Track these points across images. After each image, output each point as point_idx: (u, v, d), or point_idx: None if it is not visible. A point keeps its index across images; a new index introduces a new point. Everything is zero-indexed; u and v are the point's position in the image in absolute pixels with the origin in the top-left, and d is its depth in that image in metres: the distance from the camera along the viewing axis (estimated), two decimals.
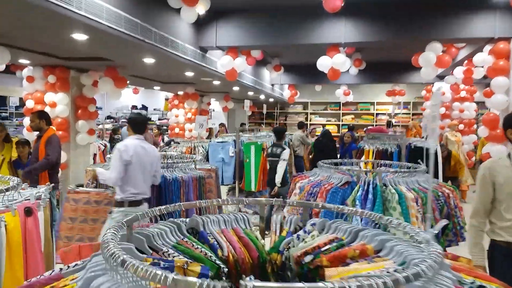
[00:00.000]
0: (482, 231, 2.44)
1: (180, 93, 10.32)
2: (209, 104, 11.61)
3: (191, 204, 1.84)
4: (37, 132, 4.62)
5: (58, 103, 5.55)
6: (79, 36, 3.73)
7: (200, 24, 5.43)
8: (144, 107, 15.87)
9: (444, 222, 1.38)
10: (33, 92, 5.74)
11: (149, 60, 5.14)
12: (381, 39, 5.01)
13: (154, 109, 15.87)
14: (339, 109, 14.22)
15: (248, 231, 1.64)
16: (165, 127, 13.20)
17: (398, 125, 12.10)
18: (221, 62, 5.47)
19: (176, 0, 4.20)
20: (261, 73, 9.54)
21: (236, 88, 8.99)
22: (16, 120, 10.89)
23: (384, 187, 3.10)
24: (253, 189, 5.98)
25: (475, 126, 9.05)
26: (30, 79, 5.70)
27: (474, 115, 9.08)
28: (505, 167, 2.37)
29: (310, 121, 14.37)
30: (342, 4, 3.67)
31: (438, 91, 2.65)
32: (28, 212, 1.91)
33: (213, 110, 14.94)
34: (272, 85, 10.71)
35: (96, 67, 5.78)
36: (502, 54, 4.43)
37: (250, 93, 10.37)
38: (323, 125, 14.02)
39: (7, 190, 1.97)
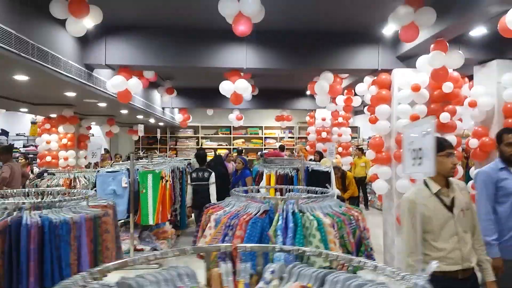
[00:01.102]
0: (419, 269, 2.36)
1: (53, 115, 8.99)
2: (89, 128, 10.40)
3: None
4: None
5: None
6: None
7: (87, 39, 4.80)
8: (4, 132, 13.41)
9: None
10: None
11: (21, 78, 4.28)
12: (282, 66, 5.18)
13: (17, 134, 13.55)
14: (230, 133, 14.38)
15: None
16: (32, 155, 11.34)
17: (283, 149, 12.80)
18: (112, 83, 4.90)
19: (61, 10, 3.60)
20: (152, 96, 9.01)
21: (124, 111, 8.27)
22: None
23: (300, 214, 3.06)
24: (150, 222, 5.43)
25: (350, 149, 10.11)
26: None
27: (349, 139, 10.14)
28: (428, 197, 2.37)
29: (201, 145, 14.15)
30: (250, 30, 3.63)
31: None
32: None
33: (92, 135, 13.51)
34: (163, 108, 10.21)
35: None
36: (384, 84, 5.00)
37: (139, 117, 9.67)
38: (215, 149, 13.96)
39: None
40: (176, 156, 12.98)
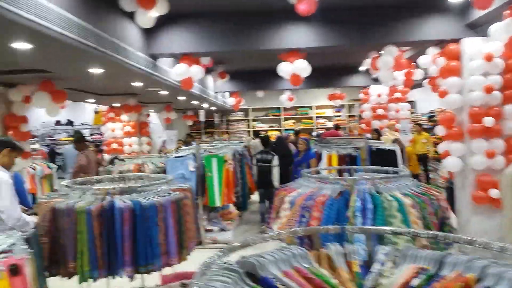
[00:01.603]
0: None
1: (116, 105, 9.51)
2: (148, 115, 10.89)
3: None
4: None
5: None
6: (21, 45, 3.11)
7: (151, 30, 4.97)
8: (70, 122, 14.40)
9: None
10: None
11: (96, 70, 4.55)
12: (342, 43, 5.05)
13: (82, 124, 14.49)
14: (280, 115, 14.38)
15: (315, 270, 1.38)
16: (98, 143, 12.10)
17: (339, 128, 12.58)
18: (177, 71, 5.07)
19: (130, 2, 3.75)
20: (205, 81, 9.20)
21: (182, 98, 8.54)
22: None
23: (378, 194, 3.03)
24: (217, 204, 5.64)
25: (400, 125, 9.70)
26: None
27: (408, 115, 9.73)
28: None
29: (252, 127, 14.31)
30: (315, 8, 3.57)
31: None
32: (14, 270, 1.43)
33: (151, 122, 14.11)
34: (216, 92, 10.41)
35: (27, 80, 4.99)
36: (453, 55, 4.70)
37: (195, 102, 9.95)
38: (266, 131, 14.07)
39: None
40: (228, 140, 13.25)
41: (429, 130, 9.38)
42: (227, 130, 14.42)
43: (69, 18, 3.10)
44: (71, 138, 10.28)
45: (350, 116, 13.99)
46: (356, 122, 12.45)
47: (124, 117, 9.55)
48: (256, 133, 9.09)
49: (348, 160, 5.51)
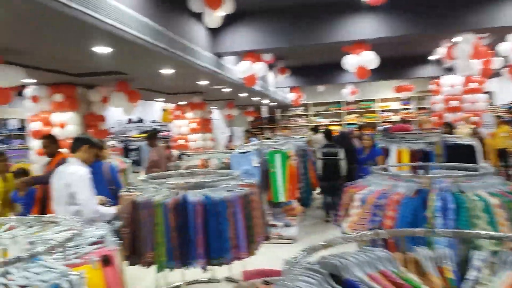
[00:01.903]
0: None
1: (182, 103, 9.94)
2: (211, 112, 11.24)
3: None
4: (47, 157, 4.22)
5: (68, 123, 5.13)
6: (101, 49, 3.35)
7: (215, 29, 5.09)
8: (140, 120, 15.36)
9: None
10: (39, 113, 5.30)
11: (166, 71, 4.78)
12: (413, 32, 4.76)
13: (151, 121, 15.38)
14: (340, 109, 14.02)
15: (404, 275, 1.31)
16: (165, 139, 12.74)
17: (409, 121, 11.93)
18: (241, 68, 5.14)
19: (198, 3, 3.86)
20: (266, 77, 9.24)
21: (243, 95, 8.67)
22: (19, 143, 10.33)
23: (460, 193, 2.81)
24: (281, 199, 5.64)
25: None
26: (35, 99, 5.26)
27: (485, 106, 8.95)
28: None
29: (312, 122, 14.13)
30: None
31: None
32: (107, 261, 1.54)
33: (214, 119, 14.56)
34: (276, 88, 10.42)
35: (105, 82, 5.38)
36: None
37: (255, 98, 10.06)
38: (326, 126, 13.82)
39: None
40: (289, 135, 13.22)
41: (509, 123, 8.55)
42: (287, 126, 14.38)
43: (144, 21, 3.28)
44: (143, 135, 10.93)
45: (419, 108, 13.20)
46: (427, 115, 11.71)
47: (190, 114, 9.96)
48: (315, 129, 8.98)
49: (420, 156, 5.19)
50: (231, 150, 6.18)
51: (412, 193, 2.90)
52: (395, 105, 13.53)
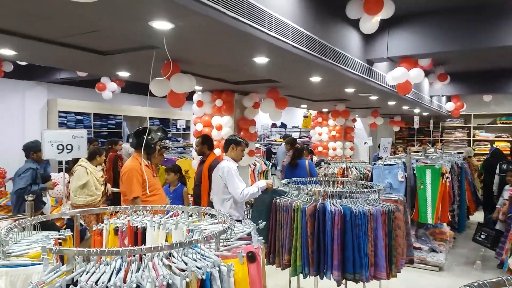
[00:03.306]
0: None
1: (325, 110, 9.95)
2: (354, 120, 10.94)
3: None
4: (201, 156, 4.80)
5: (224, 126, 5.72)
6: (260, 60, 3.62)
7: (370, 35, 4.91)
8: (283, 125, 16.05)
9: None
10: (202, 116, 6.07)
11: (315, 79, 4.85)
12: None
13: (293, 127, 15.90)
14: None
15: None
16: (305, 145, 12.96)
17: None
18: (393, 75, 4.82)
19: (356, 9, 3.78)
20: (420, 84, 8.46)
21: (391, 103, 8.14)
22: (183, 141, 12.22)
23: None
24: (429, 221, 5.09)
25: None
26: (200, 103, 6.04)
27: None
28: None
29: (473, 136, 12.32)
30: None
31: None
32: (252, 258, 1.64)
33: (356, 127, 14.17)
34: (431, 96, 9.44)
35: (258, 89, 5.80)
36: None
37: (405, 107, 9.32)
38: (491, 142, 11.86)
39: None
40: (441, 149, 11.82)
41: None
42: (441, 139, 12.87)
43: (300, 31, 3.39)
44: (282, 140, 11.41)
45: None
46: None
47: (331, 121, 9.90)
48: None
49: None
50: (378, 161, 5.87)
51: None
52: None
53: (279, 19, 3.06)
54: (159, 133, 3.73)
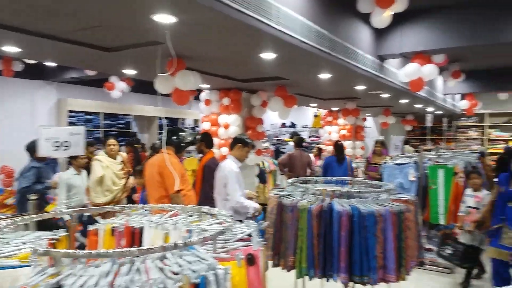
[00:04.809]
0: None
1: (335, 109, 9.79)
2: (364, 119, 10.75)
3: None
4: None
5: (231, 125, 5.64)
6: (268, 55, 3.52)
7: (380, 30, 4.77)
8: (293, 124, 15.89)
9: None
10: (209, 114, 6.00)
11: (325, 76, 4.73)
12: None
13: (303, 126, 15.72)
14: None
15: None
16: (313, 145, 12.82)
17: None
18: (406, 71, 4.68)
19: (368, 3, 3.65)
20: (434, 81, 8.26)
21: (404, 101, 7.96)
22: None
23: None
24: (441, 222, 4.94)
25: None
26: (207, 102, 5.97)
27: None
28: None
29: (488, 136, 12.02)
30: None
31: None
32: (251, 260, 1.55)
33: (366, 126, 13.94)
34: (445, 94, 9.22)
35: (266, 87, 5.70)
36: None
37: (418, 106, 9.12)
38: (506, 141, 11.58)
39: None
40: (453, 149, 11.58)
41: None
42: (454, 138, 12.59)
43: (309, 26, 3.28)
44: (290, 139, 11.28)
45: None
46: None
47: (341, 120, 9.74)
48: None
49: None
50: (384, 161, 5.71)
51: None
52: None
53: (287, 13, 2.96)
54: (189, 137, 3.69)
